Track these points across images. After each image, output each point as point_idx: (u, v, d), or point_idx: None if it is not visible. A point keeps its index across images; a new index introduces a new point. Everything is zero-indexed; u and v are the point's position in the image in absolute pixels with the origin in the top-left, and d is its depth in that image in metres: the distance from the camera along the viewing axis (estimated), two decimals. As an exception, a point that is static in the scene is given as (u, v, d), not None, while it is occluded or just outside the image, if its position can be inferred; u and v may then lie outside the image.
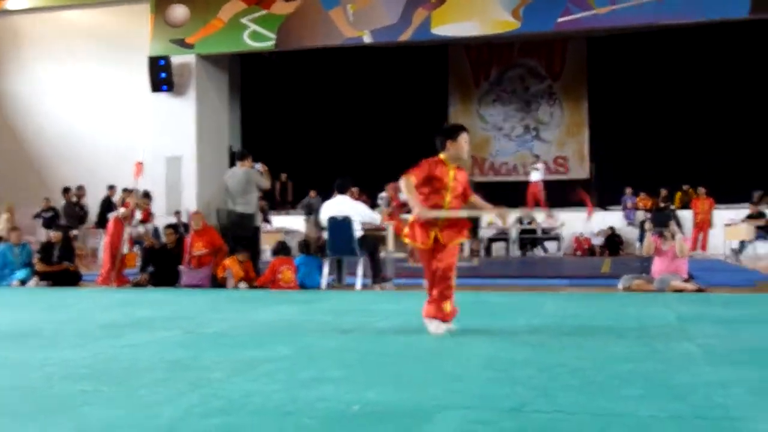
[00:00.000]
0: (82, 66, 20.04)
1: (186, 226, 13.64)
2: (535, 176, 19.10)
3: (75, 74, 20.11)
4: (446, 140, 5.31)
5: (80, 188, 17.82)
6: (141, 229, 13.95)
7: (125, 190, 13.51)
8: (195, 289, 9.96)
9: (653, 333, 5.39)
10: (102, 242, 13.06)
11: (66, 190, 17.50)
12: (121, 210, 11.47)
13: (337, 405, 3.25)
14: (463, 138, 5.34)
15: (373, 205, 13.31)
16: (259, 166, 10.64)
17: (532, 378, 3.82)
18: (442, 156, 5.33)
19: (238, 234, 10.33)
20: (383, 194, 14.63)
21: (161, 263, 10.62)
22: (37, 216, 17.52)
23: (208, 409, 3.20)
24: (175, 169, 18.94)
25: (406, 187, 5.19)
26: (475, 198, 5.61)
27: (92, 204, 17.92)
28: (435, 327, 5.27)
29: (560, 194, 19.50)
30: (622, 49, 20.04)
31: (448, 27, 17.52)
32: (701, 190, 17.08)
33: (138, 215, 11.28)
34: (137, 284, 10.58)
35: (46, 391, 3.67)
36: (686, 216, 17.15)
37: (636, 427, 2.87)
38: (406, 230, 5.43)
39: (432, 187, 5.26)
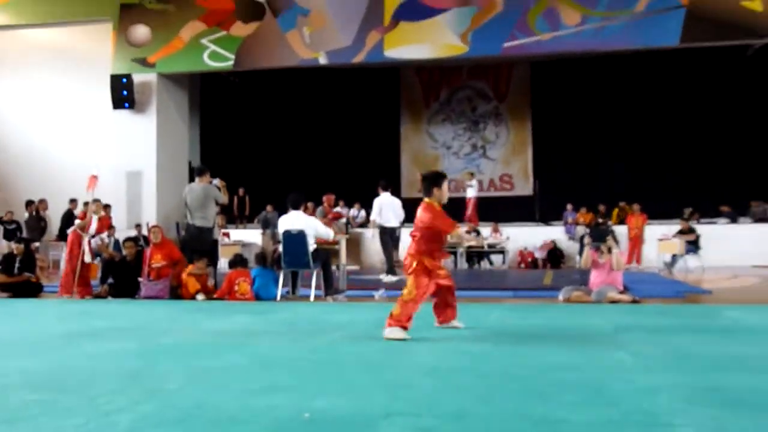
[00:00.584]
0: (45, 83, 20.05)
1: (146, 239, 13.83)
2: (470, 192, 19.10)
3: (38, 91, 20.11)
4: (433, 187, 6.13)
5: (42, 201, 17.95)
6: (98, 240, 14.00)
7: (86, 204, 13.67)
8: (154, 300, 9.98)
9: (590, 342, 5.58)
10: (64, 254, 13.18)
11: (29, 203, 17.60)
12: (77, 222, 11.37)
13: (289, 413, 3.30)
14: (446, 185, 6.16)
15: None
16: (216, 181, 10.80)
17: (475, 385, 3.92)
18: (434, 202, 6.10)
19: (197, 247, 10.45)
20: (320, 208, 15.02)
21: (121, 275, 10.67)
22: None
23: (163, 419, 3.24)
24: (135, 184, 19.00)
25: (456, 233, 6.17)
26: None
27: (54, 217, 18.01)
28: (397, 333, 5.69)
29: (506, 210, 20.15)
30: (564, 73, 20.67)
31: (400, 50, 17.85)
32: (636, 206, 17.50)
33: (94, 224, 11.24)
34: (97, 296, 10.54)
35: (3, 401, 3.64)
36: (622, 231, 17.79)
37: (572, 433, 3.00)
38: (408, 260, 6.02)
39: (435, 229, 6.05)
